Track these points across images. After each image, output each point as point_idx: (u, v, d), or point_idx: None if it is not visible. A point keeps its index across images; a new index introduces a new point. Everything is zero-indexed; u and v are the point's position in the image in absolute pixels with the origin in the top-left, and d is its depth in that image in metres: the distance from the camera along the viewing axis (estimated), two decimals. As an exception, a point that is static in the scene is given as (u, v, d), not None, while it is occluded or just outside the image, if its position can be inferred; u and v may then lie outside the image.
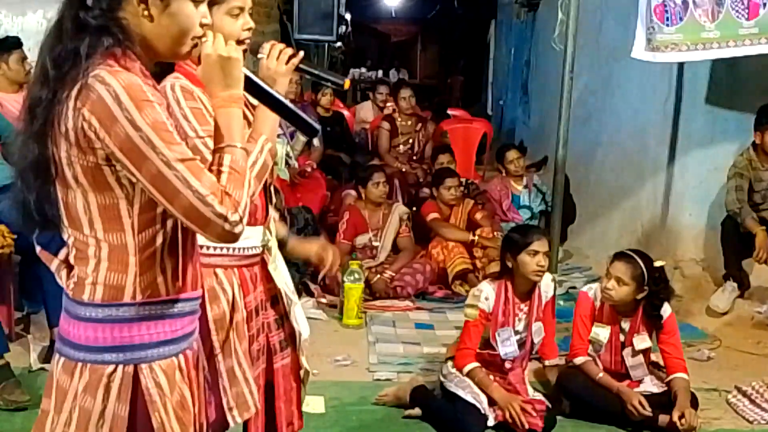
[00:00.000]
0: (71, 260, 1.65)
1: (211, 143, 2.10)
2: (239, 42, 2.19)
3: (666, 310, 3.79)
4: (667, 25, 4.84)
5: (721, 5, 4.66)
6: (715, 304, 5.11)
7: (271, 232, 2.41)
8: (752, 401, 3.98)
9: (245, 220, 1.64)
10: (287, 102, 2.01)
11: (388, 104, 8.13)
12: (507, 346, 3.69)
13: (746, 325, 5.02)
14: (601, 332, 3.80)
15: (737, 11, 4.62)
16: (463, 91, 17.35)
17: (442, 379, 3.77)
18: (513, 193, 6.60)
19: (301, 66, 2.25)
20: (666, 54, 4.89)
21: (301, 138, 6.54)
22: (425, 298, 5.54)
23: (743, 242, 4.98)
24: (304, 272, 5.51)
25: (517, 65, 11.30)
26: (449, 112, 9.78)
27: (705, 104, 5.52)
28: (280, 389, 2.45)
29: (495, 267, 5.05)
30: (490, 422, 3.59)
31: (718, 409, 3.97)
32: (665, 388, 3.76)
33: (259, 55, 2.23)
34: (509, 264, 3.71)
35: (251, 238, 2.28)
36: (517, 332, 3.73)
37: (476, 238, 5.75)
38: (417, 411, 3.73)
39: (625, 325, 3.79)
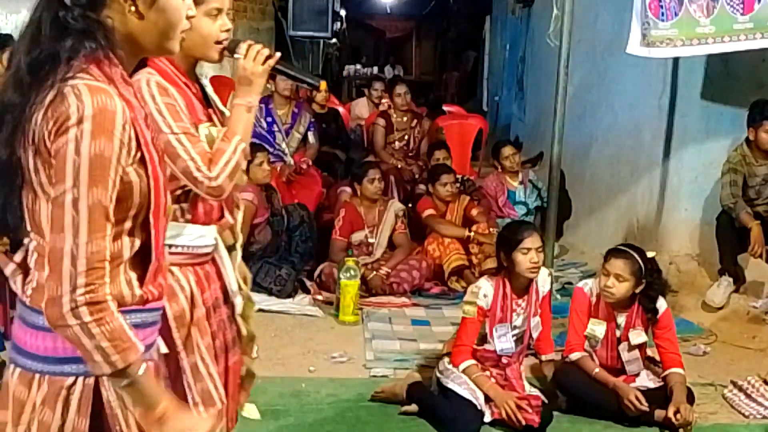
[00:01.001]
0: (30, 264, 1.58)
1: (185, 140, 2.12)
2: (217, 42, 2.23)
3: (661, 304, 3.79)
4: (662, 20, 4.84)
5: (716, 0, 4.66)
6: (710, 299, 5.11)
7: (235, 236, 2.41)
8: (748, 396, 4.00)
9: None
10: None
11: (384, 101, 8.11)
12: (503, 342, 3.70)
13: (742, 320, 5.03)
14: (597, 328, 3.81)
15: (732, 6, 4.62)
16: (458, 87, 17.34)
17: (438, 375, 3.78)
18: (508, 189, 6.60)
19: (278, 67, 2.29)
20: (661, 49, 4.90)
21: (297, 135, 6.54)
22: (421, 294, 5.54)
23: (738, 237, 5.00)
24: (300, 269, 5.51)
25: (512, 61, 11.30)
26: (444, 108, 9.78)
27: (700, 99, 5.52)
28: (230, 387, 2.43)
29: (491, 263, 5.07)
30: (487, 418, 3.59)
31: (713, 404, 3.98)
32: (661, 383, 3.77)
33: (236, 55, 2.26)
34: (504, 262, 3.72)
35: (205, 236, 2.27)
36: (515, 327, 3.74)
37: (472, 234, 5.75)
38: (414, 407, 3.74)
39: (621, 320, 3.80)
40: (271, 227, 5.49)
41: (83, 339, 1.45)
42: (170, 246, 2.17)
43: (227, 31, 2.25)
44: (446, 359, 3.77)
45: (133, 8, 1.54)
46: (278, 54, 2.27)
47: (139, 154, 1.51)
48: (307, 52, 12.51)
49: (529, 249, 3.64)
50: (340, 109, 8.19)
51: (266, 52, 2.25)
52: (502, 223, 5.69)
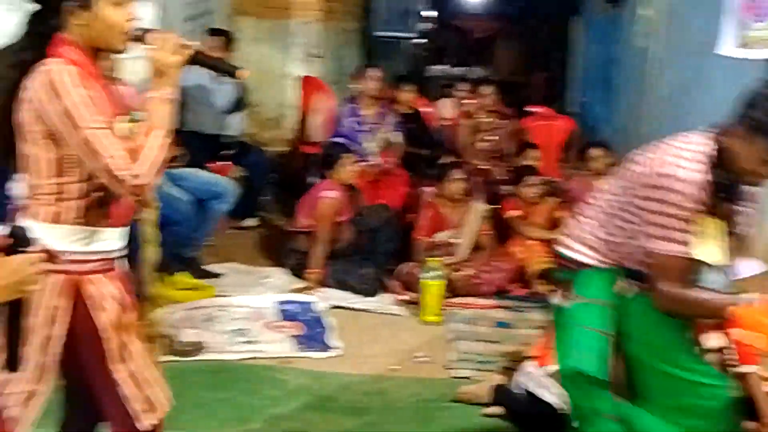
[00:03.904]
0: None
1: (105, 135, 2.04)
2: (123, 33, 2.17)
3: None
4: (758, 21, 4.70)
5: (817, -1, 4.51)
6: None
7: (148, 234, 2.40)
8: None
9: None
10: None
11: (469, 101, 8.09)
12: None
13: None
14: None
15: (833, 5, 4.46)
16: (545, 88, 17.13)
17: (523, 378, 3.75)
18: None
19: (195, 56, 2.21)
20: (756, 51, 4.75)
21: (382, 135, 6.57)
22: (505, 296, 5.51)
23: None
24: (383, 269, 5.55)
25: (601, 62, 11.12)
26: (531, 109, 9.68)
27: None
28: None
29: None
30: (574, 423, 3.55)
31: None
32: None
33: (147, 46, 2.18)
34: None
35: (122, 239, 2.25)
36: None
37: (558, 236, 5.67)
38: (497, 409, 3.72)
39: None
40: (354, 226, 5.54)
41: None
42: (90, 253, 2.14)
43: (132, 20, 2.18)
44: (531, 362, 3.74)
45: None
46: (196, 43, 2.20)
47: None
48: (394, 52, 12.56)
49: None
50: (426, 109, 8.20)
51: (177, 40, 2.17)
52: (589, 226, 5.59)
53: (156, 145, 2.09)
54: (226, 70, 2.44)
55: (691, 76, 6.71)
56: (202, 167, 5.66)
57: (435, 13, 17.03)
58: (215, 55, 2.44)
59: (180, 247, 5.02)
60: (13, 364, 1.91)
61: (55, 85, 2.03)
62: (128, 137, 2.10)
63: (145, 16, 5.66)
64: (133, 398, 2.17)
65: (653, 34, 4.86)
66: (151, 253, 2.47)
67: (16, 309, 1.85)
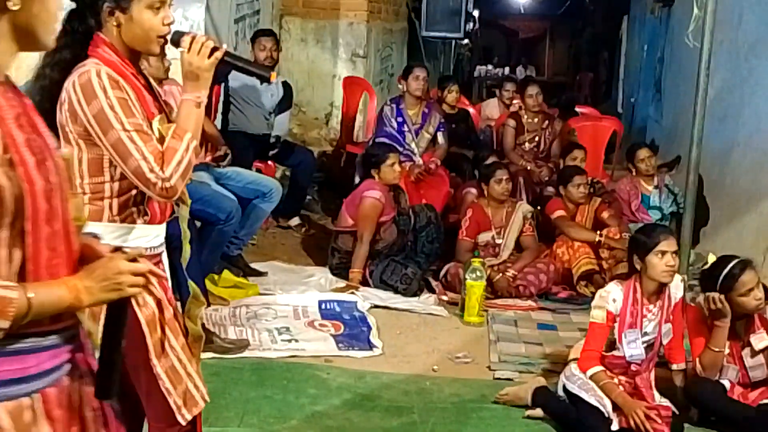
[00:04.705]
0: None
1: (137, 137, 2.05)
2: (159, 36, 2.16)
3: None
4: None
5: None
6: None
7: (185, 233, 2.36)
8: None
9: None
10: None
11: (515, 101, 8.04)
12: (633, 349, 3.60)
13: None
14: None
15: None
16: (592, 89, 16.99)
17: (564, 380, 3.71)
18: (643, 193, 6.42)
19: (226, 59, 2.20)
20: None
21: (426, 135, 6.57)
22: (548, 298, 5.46)
23: None
24: (426, 269, 5.55)
25: (649, 62, 10.98)
26: (577, 109, 9.60)
27: None
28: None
29: (622, 268, 4.94)
30: (614, 427, 3.50)
31: None
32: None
33: (180, 49, 2.17)
34: (637, 265, 3.63)
35: (159, 236, 2.25)
36: (645, 334, 3.63)
37: (603, 238, 5.63)
38: (539, 412, 3.70)
39: (740, 324, 3.66)
40: (397, 226, 5.54)
41: None
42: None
43: (170, 24, 2.18)
44: (573, 365, 3.71)
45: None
46: (224, 46, 2.20)
47: (8, 156, 1.41)
48: (439, 52, 12.55)
49: (665, 252, 3.53)
50: (470, 110, 8.18)
51: (211, 44, 2.15)
52: (635, 227, 5.54)
53: (184, 147, 2.09)
54: (255, 72, 2.43)
55: (741, 77, 6.60)
56: (248, 167, 5.71)
57: (482, 14, 16.95)
58: (245, 57, 2.44)
59: (225, 245, 5.07)
60: (104, 391, 1.62)
61: (90, 86, 2.06)
62: (162, 138, 2.12)
63: (194, 17, 5.76)
64: (172, 392, 2.19)
65: (704, 33, 4.77)
66: (187, 251, 2.44)
67: (117, 326, 1.63)
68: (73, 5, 2.18)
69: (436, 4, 10.26)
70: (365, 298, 5.08)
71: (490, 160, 6.51)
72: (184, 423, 2.22)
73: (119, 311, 1.62)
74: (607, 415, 3.49)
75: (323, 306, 4.94)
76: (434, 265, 5.66)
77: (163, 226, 2.28)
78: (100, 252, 1.62)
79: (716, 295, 3.59)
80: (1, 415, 1.47)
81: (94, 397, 1.63)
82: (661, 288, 3.65)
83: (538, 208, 6.06)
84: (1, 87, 1.47)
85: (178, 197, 2.21)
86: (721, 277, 3.61)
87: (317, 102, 8.40)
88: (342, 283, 5.34)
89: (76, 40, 2.15)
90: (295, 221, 6.50)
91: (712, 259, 3.75)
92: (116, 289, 1.55)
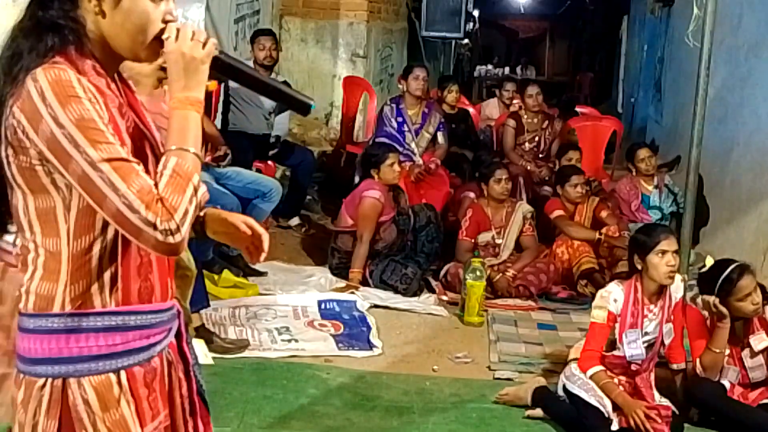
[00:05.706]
0: (19, 268, 1.58)
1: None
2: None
3: None
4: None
5: None
6: None
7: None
8: None
9: (185, 230, 1.46)
10: (273, 82, 1.94)
11: (515, 101, 8.04)
12: (633, 349, 3.60)
13: None
14: None
15: None
16: (592, 89, 16.98)
17: (564, 380, 3.72)
18: (643, 193, 6.43)
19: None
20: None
21: (426, 135, 6.57)
22: (548, 298, 5.46)
23: None
24: (426, 269, 5.55)
25: (649, 62, 10.98)
26: (577, 109, 9.60)
27: None
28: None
29: (622, 267, 4.95)
30: (614, 427, 3.50)
31: None
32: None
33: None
34: (638, 265, 3.63)
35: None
36: (646, 333, 3.63)
37: (602, 236, 5.63)
38: (539, 412, 3.70)
39: (739, 325, 3.66)
40: (396, 226, 5.54)
41: None
42: None
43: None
44: (573, 365, 3.71)
45: (97, 8, 1.53)
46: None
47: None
48: (439, 52, 12.55)
49: (665, 251, 3.54)
50: (470, 110, 8.18)
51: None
52: (635, 227, 5.54)
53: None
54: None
55: (741, 77, 6.60)
56: (248, 167, 5.71)
57: (482, 14, 16.95)
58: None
59: (225, 245, 5.06)
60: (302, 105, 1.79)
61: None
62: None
63: (194, 17, 5.76)
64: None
65: (704, 34, 4.77)
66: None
67: (237, 69, 1.73)
68: None
69: (436, 4, 10.25)
70: (365, 298, 5.08)
71: (491, 160, 6.51)
72: None
73: (223, 65, 1.65)
74: (607, 415, 3.50)
75: (323, 306, 4.94)
76: (434, 265, 5.66)
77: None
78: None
79: (713, 299, 3.59)
80: (86, 389, 1.53)
81: (184, 384, 1.69)
82: (662, 288, 3.65)
83: (538, 207, 6.05)
84: (103, 79, 1.55)
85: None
86: (719, 282, 3.61)
87: (317, 102, 8.36)
88: (342, 283, 5.34)
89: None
90: (295, 221, 6.49)
91: (709, 262, 3.76)
92: (196, 59, 1.57)
